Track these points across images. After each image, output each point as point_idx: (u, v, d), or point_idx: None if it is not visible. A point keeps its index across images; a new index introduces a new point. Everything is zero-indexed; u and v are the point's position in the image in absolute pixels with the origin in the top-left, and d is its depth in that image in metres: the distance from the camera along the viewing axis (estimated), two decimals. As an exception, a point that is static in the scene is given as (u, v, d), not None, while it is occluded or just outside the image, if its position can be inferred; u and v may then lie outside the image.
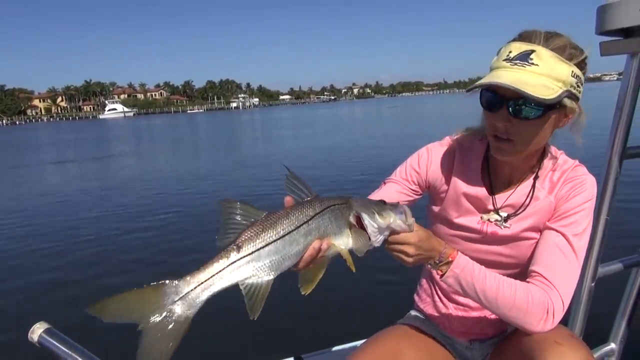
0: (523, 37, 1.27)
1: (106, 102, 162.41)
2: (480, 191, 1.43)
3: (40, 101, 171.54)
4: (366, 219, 1.16)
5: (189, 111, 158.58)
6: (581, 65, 1.26)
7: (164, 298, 0.99)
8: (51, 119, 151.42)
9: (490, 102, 1.29)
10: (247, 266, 1.06)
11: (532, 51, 1.23)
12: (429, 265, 1.28)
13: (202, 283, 1.01)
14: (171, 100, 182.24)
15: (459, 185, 1.46)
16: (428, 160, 1.52)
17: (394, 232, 1.18)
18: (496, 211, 1.43)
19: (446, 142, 1.54)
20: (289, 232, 1.10)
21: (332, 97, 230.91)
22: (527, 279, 1.31)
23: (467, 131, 1.52)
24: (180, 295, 1.00)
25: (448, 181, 1.49)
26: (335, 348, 2.20)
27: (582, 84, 1.27)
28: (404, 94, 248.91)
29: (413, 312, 1.72)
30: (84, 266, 6.32)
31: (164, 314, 0.98)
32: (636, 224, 6.15)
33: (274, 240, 1.08)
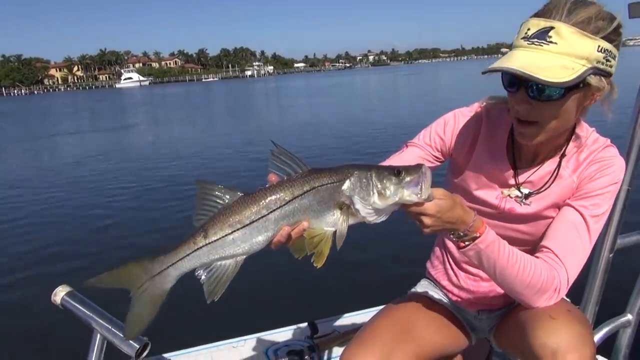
0: (544, 11, 1.19)
1: (122, 71, 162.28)
2: (504, 165, 1.39)
3: (56, 70, 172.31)
4: (358, 203, 1.07)
5: (203, 80, 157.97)
6: (611, 37, 1.16)
7: (143, 274, 1.13)
8: (68, 88, 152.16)
9: (509, 84, 1.23)
10: (212, 252, 1.10)
11: (551, 28, 1.15)
12: (451, 235, 1.21)
13: (173, 264, 1.11)
14: (186, 69, 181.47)
15: (483, 156, 1.42)
16: (454, 127, 1.46)
17: (406, 205, 1.09)
18: (517, 187, 1.39)
19: (474, 109, 1.47)
20: (258, 219, 1.07)
21: (347, 65, 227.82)
22: (538, 253, 1.29)
23: (496, 99, 1.45)
24: (156, 273, 1.12)
25: (472, 151, 1.44)
26: (348, 314, 2.23)
27: (614, 57, 1.18)
28: (420, 61, 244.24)
29: (424, 281, 1.71)
30: (106, 231, 6.51)
31: (144, 286, 1.14)
32: None
33: (241, 227, 1.08)
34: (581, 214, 1.29)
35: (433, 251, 1.71)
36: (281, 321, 2.22)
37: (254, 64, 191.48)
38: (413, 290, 1.69)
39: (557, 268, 1.24)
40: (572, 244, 1.27)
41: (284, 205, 1.07)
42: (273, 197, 1.07)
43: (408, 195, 1.06)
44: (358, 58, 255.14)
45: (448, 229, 1.17)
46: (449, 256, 1.61)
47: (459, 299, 1.58)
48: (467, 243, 1.20)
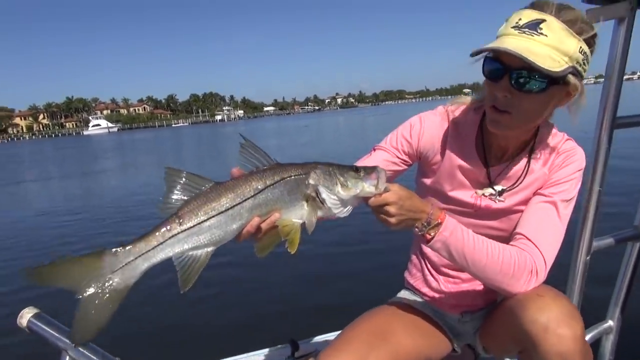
0: (535, 5, 1.23)
1: (90, 118, 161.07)
2: (475, 164, 1.41)
3: (21, 119, 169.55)
4: (324, 193, 1.12)
5: (173, 125, 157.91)
6: (590, 42, 1.22)
7: (104, 267, 1.01)
8: (33, 137, 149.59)
9: (493, 70, 1.25)
10: (187, 239, 1.06)
11: (543, 20, 1.19)
12: (416, 229, 1.22)
13: (142, 254, 1.02)
14: (155, 115, 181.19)
15: (454, 157, 1.43)
16: (420, 130, 1.48)
17: (366, 199, 1.15)
18: (491, 185, 1.41)
19: (439, 111, 1.50)
20: (233, 206, 1.07)
21: (316, 108, 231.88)
22: (512, 242, 1.31)
23: (458, 102, 1.49)
24: (121, 265, 1.02)
25: (442, 153, 1.45)
26: (330, 333, 2.17)
27: (588, 62, 1.24)
28: (387, 102, 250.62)
29: (404, 291, 1.69)
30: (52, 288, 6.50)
31: (104, 282, 1.01)
32: (629, 196, 6.01)
33: (216, 215, 1.07)
34: (550, 200, 1.33)
35: (410, 260, 1.70)
36: (262, 342, 2.14)
37: (224, 108, 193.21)
38: (391, 300, 1.67)
39: (530, 250, 1.26)
40: (543, 227, 1.30)
41: (258, 193, 1.08)
42: (247, 186, 1.08)
43: (367, 187, 1.13)
44: (326, 101, 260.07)
45: (411, 219, 1.19)
46: (427, 262, 1.60)
47: (441, 304, 1.56)
48: (432, 234, 1.22)
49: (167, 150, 36.47)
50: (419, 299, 1.61)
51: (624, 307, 2.01)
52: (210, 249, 1.08)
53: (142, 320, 4.19)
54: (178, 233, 1.05)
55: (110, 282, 1.02)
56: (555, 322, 1.15)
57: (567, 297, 1.34)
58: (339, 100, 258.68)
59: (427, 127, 1.48)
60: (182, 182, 1.08)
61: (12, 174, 23.54)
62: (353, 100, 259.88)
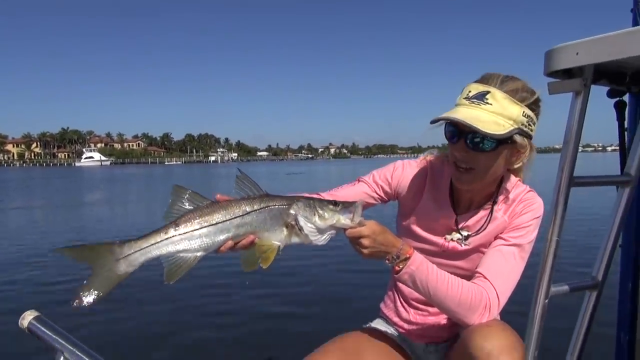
0: (483, 79, 1.47)
1: (83, 150, 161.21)
2: (447, 211, 1.60)
3: (13, 146, 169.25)
4: (302, 221, 1.29)
5: (166, 163, 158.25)
6: (533, 106, 1.45)
7: (111, 255, 1.24)
8: (24, 164, 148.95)
9: (451, 134, 1.47)
10: (180, 242, 1.26)
11: (488, 92, 1.41)
12: (386, 261, 1.38)
13: (141, 249, 1.24)
14: (148, 151, 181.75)
15: (428, 203, 1.62)
16: (402, 174, 1.67)
17: (342, 229, 1.31)
18: (458, 230, 1.59)
19: (420, 161, 1.70)
20: (222, 221, 1.26)
21: (310, 156, 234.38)
22: (472, 279, 1.46)
23: (439, 153, 1.69)
24: (124, 255, 1.24)
25: (418, 198, 1.64)
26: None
27: (534, 123, 1.46)
28: (379, 155, 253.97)
29: (378, 319, 1.84)
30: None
31: (109, 266, 1.24)
32: (585, 251, 6.56)
33: (207, 226, 1.26)
34: (509, 243, 1.50)
35: (386, 294, 1.86)
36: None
37: (218, 150, 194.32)
38: (364, 325, 1.81)
39: (486, 287, 1.42)
40: (499, 267, 1.46)
41: (245, 215, 1.27)
42: (237, 207, 1.28)
43: (343, 219, 1.29)
44: (320, 150, 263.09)
45: (383, 252, 1.35)
46: (399, 296, 1.75)
47: (409, 333, 1.71)
48: (401, 267, 1.37)
49: (158, 185, 36.42)
50: (390, 328, 1.76)
51: (580, 356, 2.14)
52: (199, 254, 1.27)
53: (135, 329, 4.38)
54: (172, 236, 1.25)
55: (114, 266, 1.24)
56: (498, 350, 1.28)
57: (514, 330, 1.46)
58: (332, 150, 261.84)
59: (408, 173, 1.68)
60: (185, 197, 1.29)
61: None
62: (346, 152, 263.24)
